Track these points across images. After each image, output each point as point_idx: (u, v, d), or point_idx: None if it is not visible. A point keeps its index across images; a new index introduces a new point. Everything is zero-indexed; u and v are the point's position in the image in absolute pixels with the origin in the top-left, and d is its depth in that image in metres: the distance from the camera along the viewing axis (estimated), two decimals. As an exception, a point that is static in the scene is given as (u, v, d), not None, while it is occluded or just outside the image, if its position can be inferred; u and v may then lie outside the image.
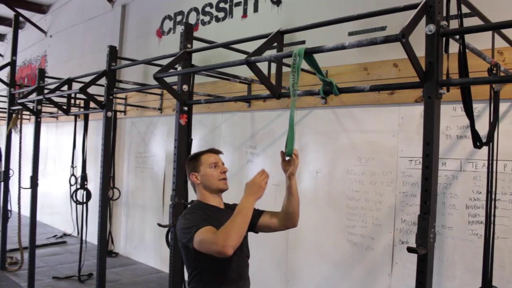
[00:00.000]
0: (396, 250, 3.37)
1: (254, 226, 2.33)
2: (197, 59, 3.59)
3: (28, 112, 5.59)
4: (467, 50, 2.02)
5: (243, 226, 1.98)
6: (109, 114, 3.93)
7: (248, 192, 2.05)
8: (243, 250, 2.26)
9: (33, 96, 4.98)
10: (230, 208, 2.31)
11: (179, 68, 3.10)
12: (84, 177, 5.34)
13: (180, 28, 3.15)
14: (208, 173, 2.28)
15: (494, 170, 2.53)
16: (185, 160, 2.97)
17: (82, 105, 5.96)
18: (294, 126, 2.00)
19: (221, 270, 2.17)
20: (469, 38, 2.09)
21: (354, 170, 3.66)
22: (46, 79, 5.06)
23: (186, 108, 3.06)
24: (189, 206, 2.34)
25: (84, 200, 5.21)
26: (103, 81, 3.99)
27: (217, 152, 2.39)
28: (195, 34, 3.21)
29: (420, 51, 1.76)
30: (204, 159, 2.31)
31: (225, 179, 2.31)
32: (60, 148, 8.03)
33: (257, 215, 2.34)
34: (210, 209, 2.25)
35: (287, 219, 2.29)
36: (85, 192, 5.29)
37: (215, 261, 2.10)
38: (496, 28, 2.31)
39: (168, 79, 3.06)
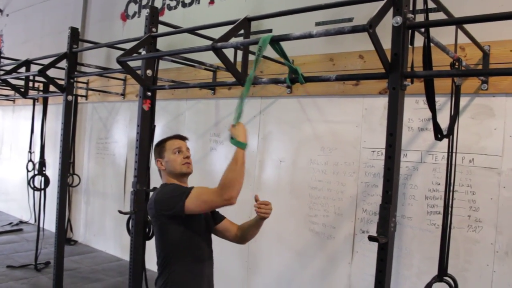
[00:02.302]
0: (356, 239, 3.43)
1: (213, 226, 2.44)
2: (162, 44, 3.52)
3: (-18, 94, 5.36)
4: (431, 44, 2.05)
5: (243, 173, 1.99)
6: (70, 98, 3.83)
7: (237, 138, 1.99)
8: (208, 234, 2.39)
9: (-13, 78, 4.77)
10: None
11: (143, 53, 3.04)
12: (42, 163, 5.18)
13: (145, 12, 3.08)
14: (171, 158, 2.32)
15: (453, 162, 2.60)
16: (148, 147, 2.94)
17: (41, 88, 5.76)
18: (243, 104, 2.00)
19: (197, 248, 2.26)
20: (433, 33, 2.13)
21: (317, 160, 3.69)
22: (2, 60, 4.86)
23: (149, 94, 3.01)
24: (159, 187, 2.34)
25: (42, 187, 5.06)
26: (63, 64, 3.86)
27: (182, 138, 2.43)
28: (161, 18, 3.15)
29: (385, 45, 1.78)
30: (168, 145, 2.36)
31: (188, 163, 2.34)
32: (17, 133, 7.75)
33: (219, 218, 2.46)
34: None
35: (241, 238, 2.47)
36: (43, 178, 5.14)
37: (193, 239, 2.23)
38: (460, 22, 2.36)
39: (132, 64, 2.99)
